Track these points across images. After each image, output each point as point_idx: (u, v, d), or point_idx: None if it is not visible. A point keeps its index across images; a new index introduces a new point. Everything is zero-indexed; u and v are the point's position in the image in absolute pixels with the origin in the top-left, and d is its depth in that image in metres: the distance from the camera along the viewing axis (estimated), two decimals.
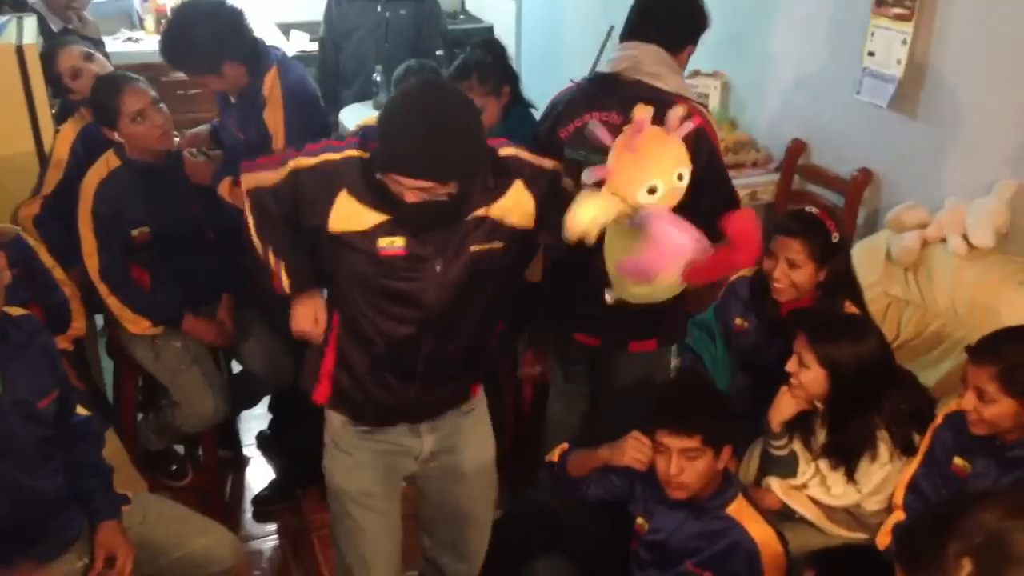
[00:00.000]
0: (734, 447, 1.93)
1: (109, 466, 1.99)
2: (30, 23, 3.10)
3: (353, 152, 1.71)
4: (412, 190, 1.59)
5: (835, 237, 2.17)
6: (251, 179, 1.81)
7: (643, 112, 1.54)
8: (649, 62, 2.15)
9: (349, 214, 1.70)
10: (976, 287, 2.38)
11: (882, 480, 2.04)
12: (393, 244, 1.71)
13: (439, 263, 1.72)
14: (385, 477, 2.01)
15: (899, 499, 2.02)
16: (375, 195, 1.67)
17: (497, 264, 1.77)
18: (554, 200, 1.72)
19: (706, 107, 2.22)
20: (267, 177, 1.78)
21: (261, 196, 1.79)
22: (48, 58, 2.86)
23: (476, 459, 2.06)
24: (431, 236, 1.71)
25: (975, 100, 2.54)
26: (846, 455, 2.05)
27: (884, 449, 2.03)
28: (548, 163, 1.81)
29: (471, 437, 2.04)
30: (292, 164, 1.73)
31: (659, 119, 1.84)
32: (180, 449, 3.00)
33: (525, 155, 1.78)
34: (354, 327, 1.83)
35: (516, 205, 1.74)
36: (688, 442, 1.83)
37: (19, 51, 2.80)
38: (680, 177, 1.54)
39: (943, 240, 2.50)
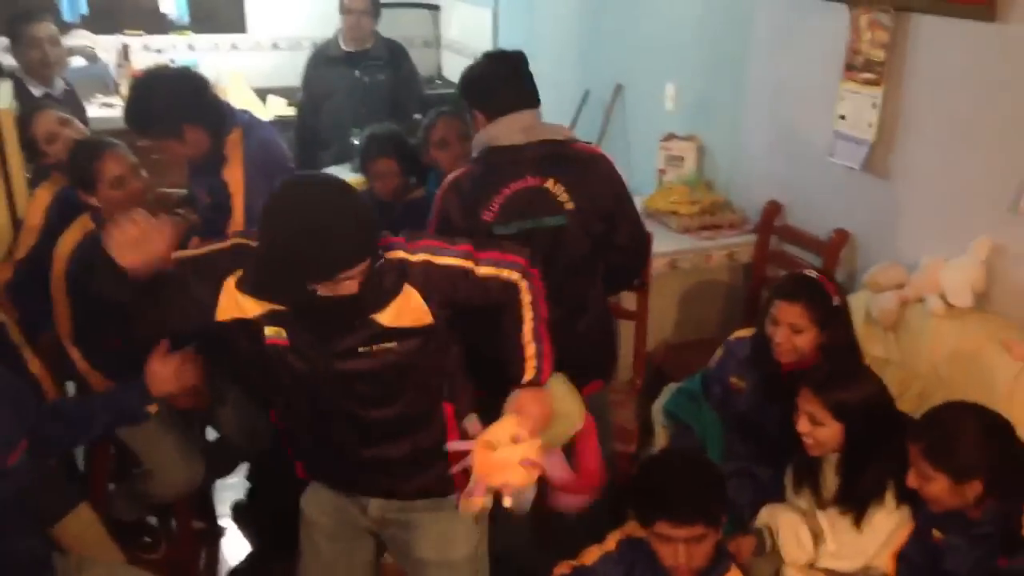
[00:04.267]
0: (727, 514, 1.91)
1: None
2: (5, 88, 3.10)
3: (240, 240, 1.76)
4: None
5: (835, 300, 2.20)
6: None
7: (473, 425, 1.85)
8: (537, 124, 2.29)
9: (232, 304, 1.72)
10: (956, 347, 2.39)
11: (889, 533, 2.01)
12: (279, 334, 1.73)
13: (325, 357, 1.74)
14: (336, 512, 2.00)
15: (891, 570, 2.01)
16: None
17: (400, 360, 1.77)
18: (464, 291, 1.78)
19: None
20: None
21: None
22: (23, 122, 2.84)
23: (436, 550, 1.96)
24: (314, 330, 1.73)
25: (947, 160, 2.59)
26: (858, 502, 2.02)
27: (890, 495, 2.01)
28: (451, 260, 1.80)
29: (431, 520, 1.95)
30: (176, 256, 1.78)
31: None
32: (153, 520, 2.91)
33: (417, 256, 1.77)
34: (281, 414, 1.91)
35: (405, 308, 1.75)
36: (693, 530, 1.82)
37: None
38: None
39: (921, 300, 2.52)
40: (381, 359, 1.75)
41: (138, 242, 1.75)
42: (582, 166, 2.30)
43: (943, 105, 2.58)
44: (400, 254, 1.75)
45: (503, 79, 2.31)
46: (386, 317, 1.72)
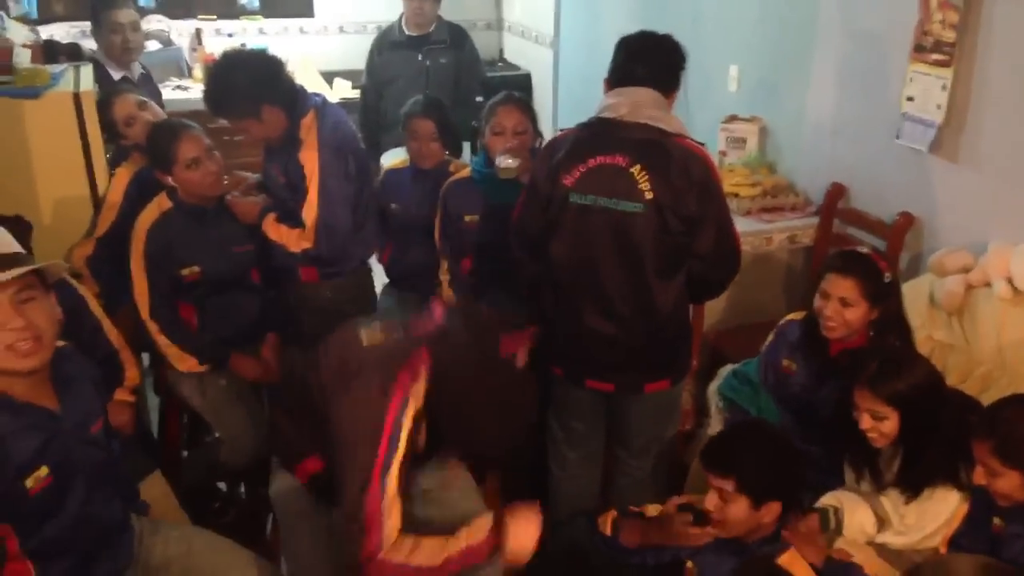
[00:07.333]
0: (789, 505, 1.92)
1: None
2: (86, 71, 3.22)
3: None
4: None
5: (887, 277, 2.18)
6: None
7: None
8: (649, 105, 2.19)
9: None
10: (1022, 332, 2.35)
11: (951, 511, 2.00)
12: None
13: None
14: None
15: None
16: None
17: None
18: None
19: (704, 145, 2.27)
20: None
21: None
22: (103, 105, 2.95)
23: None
24: None
25: (1017, 143, 2.54)
26: (918, 483, 2.01)
27: (947, 477, 2.00)
28: None
29: None
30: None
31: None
32: (222, 486, 3.02)
33: None
34: None
35: None
36: (722, 483, 1.87)
37: (76, 98, 2.91)
38: None
39: (987, 284, 2.48)
40: None
41: None
42: (675, 161, 2.15)
43: (1014, 88, 2.52)
44: None
45: (628, 53, 2.25)
46: None
